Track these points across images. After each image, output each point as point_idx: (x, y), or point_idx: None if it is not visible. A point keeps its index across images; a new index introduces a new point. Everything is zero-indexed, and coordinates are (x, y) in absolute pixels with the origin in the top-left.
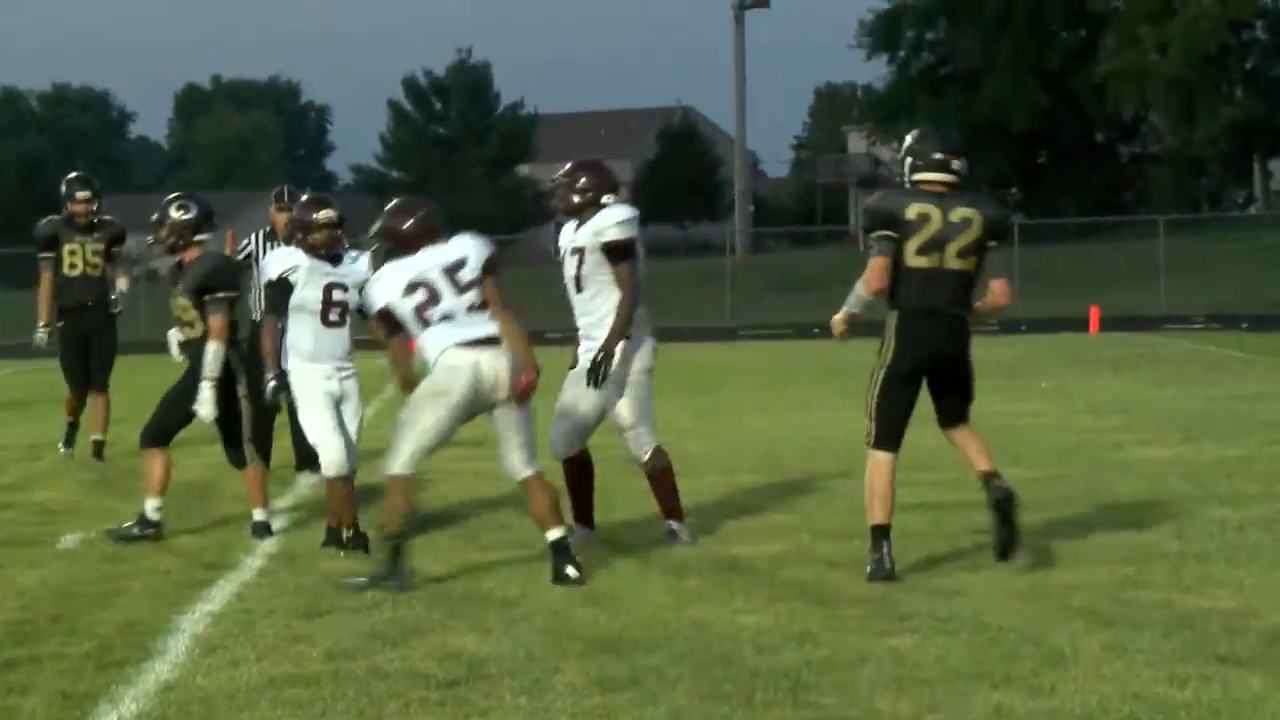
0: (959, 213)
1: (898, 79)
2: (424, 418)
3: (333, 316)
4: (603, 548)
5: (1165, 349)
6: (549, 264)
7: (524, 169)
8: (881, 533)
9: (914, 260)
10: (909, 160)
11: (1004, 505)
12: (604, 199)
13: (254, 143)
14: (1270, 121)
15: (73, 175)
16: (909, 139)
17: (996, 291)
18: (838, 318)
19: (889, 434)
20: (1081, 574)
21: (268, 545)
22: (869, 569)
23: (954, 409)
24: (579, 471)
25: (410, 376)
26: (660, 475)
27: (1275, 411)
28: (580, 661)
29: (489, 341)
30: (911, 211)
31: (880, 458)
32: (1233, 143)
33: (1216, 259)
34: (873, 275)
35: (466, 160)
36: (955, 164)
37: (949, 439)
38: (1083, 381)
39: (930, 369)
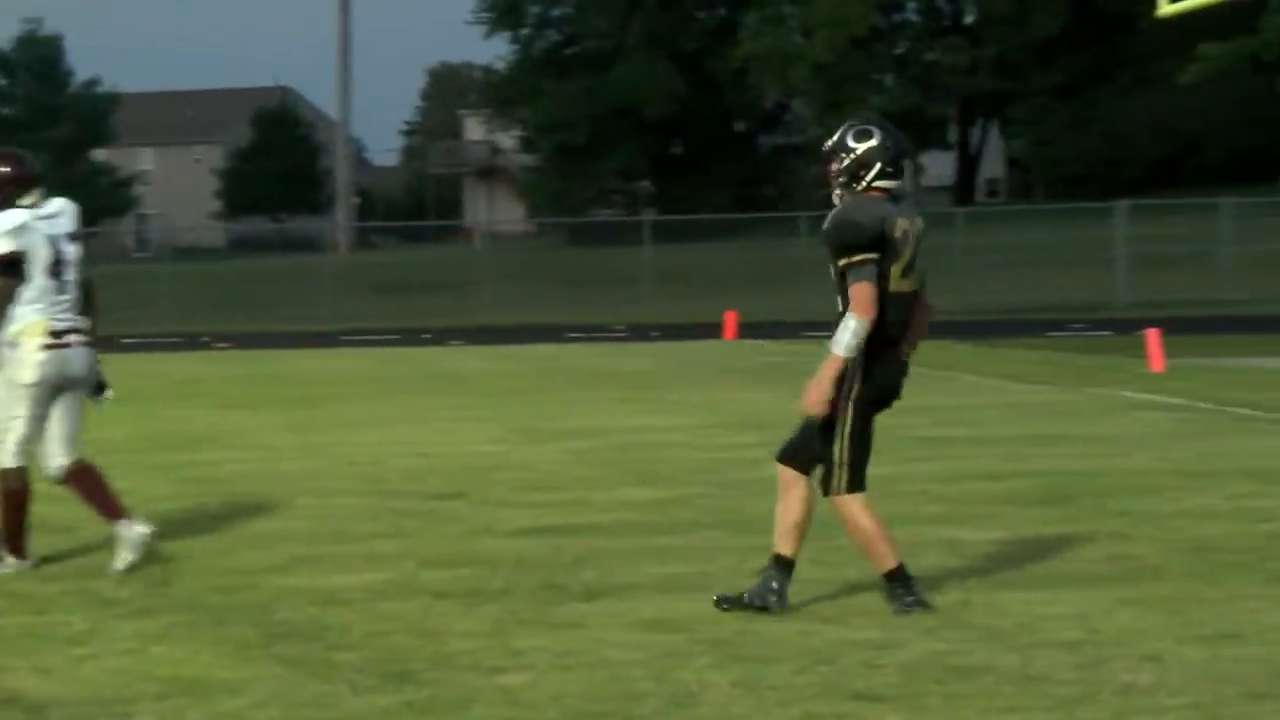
0: (916, 225)
1: (520, 59)
2: None
3: None
4: (185, 576)
5: (807, 358)
6: (128, 260)
7: (101, 153)
8: (901, 573)
9: (898, 284)
10: (878, 164)
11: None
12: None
13: None
14: (922, 111)
15: None
16: (873, 137)
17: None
18: (827, 380)
19: (861, 476)
20: (711, 604)
21: None
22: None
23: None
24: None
25: None
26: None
27: (921, 426)
28: (156, 705)
29: None
30: (898, 229)
31: (859, 501)
32: None
33: None
34: (870, 304)
35: (35, 143)
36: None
37: (784, 481)
38: (718, 393)
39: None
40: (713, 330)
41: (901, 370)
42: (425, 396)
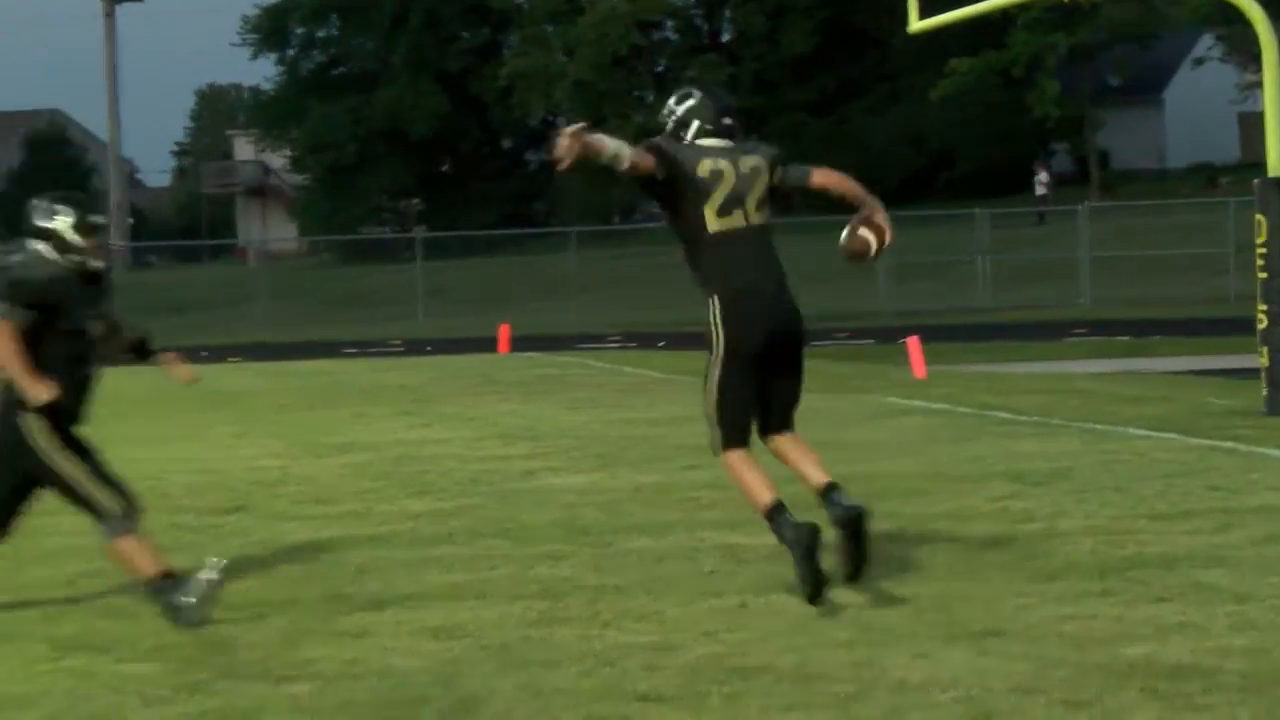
0: (744, 164)
1: (287, 80)
2: None
3: None
4: None
5: (578, 370)
6: None
7: None
8: (779, 509)
9: (719, 224)
10: (696, 121)
11: (853, 524)
12: None
13: None
14: None
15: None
16: (690, 100)
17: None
18: (573, 131)
19: (737, 432)
20: (494, 611)
21: None
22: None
23: (782, 411)
24: None
25: None
26: None
27: (692, 435)
28: None
29: None
30: (703, 169)
31: (736, 455)
32: None
33: (631, 274)
34: (645, 158)
35: None
36: (732, 125)
37: (774, 450)
38: (491, 406)
39: (767, 352)
40: (487, 344)
41: (766, 309)
42: (205, 413)
